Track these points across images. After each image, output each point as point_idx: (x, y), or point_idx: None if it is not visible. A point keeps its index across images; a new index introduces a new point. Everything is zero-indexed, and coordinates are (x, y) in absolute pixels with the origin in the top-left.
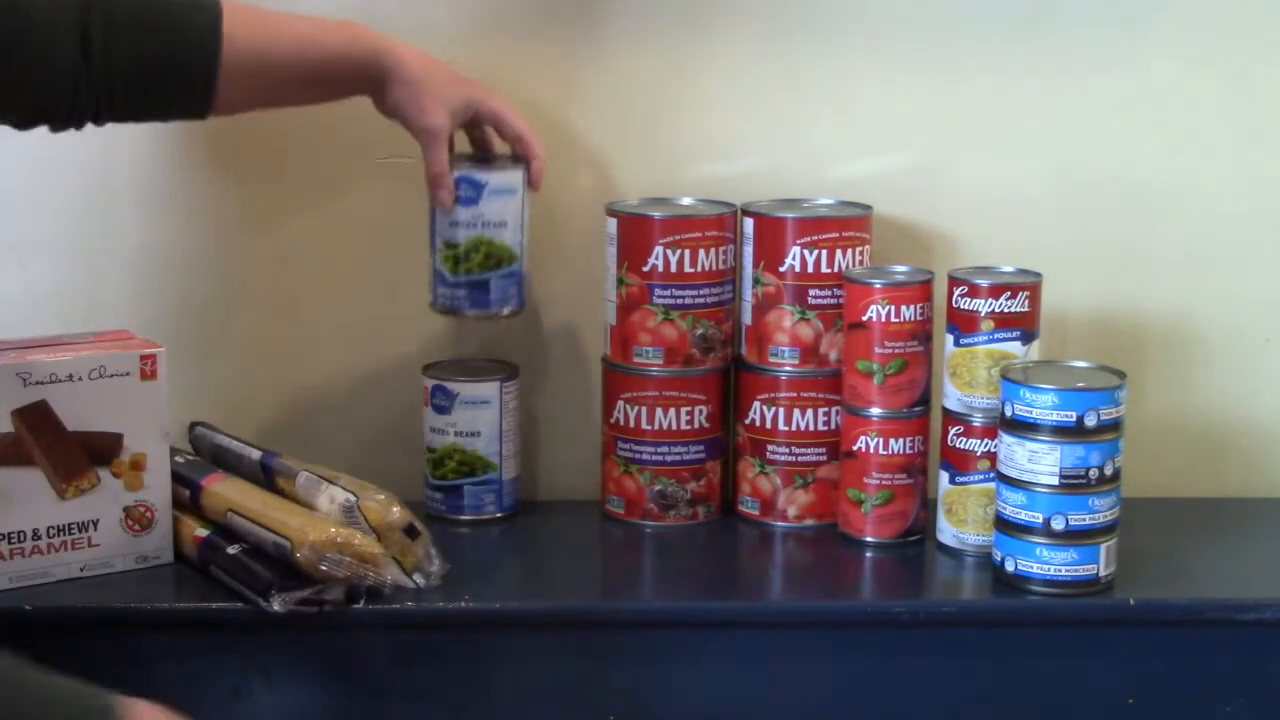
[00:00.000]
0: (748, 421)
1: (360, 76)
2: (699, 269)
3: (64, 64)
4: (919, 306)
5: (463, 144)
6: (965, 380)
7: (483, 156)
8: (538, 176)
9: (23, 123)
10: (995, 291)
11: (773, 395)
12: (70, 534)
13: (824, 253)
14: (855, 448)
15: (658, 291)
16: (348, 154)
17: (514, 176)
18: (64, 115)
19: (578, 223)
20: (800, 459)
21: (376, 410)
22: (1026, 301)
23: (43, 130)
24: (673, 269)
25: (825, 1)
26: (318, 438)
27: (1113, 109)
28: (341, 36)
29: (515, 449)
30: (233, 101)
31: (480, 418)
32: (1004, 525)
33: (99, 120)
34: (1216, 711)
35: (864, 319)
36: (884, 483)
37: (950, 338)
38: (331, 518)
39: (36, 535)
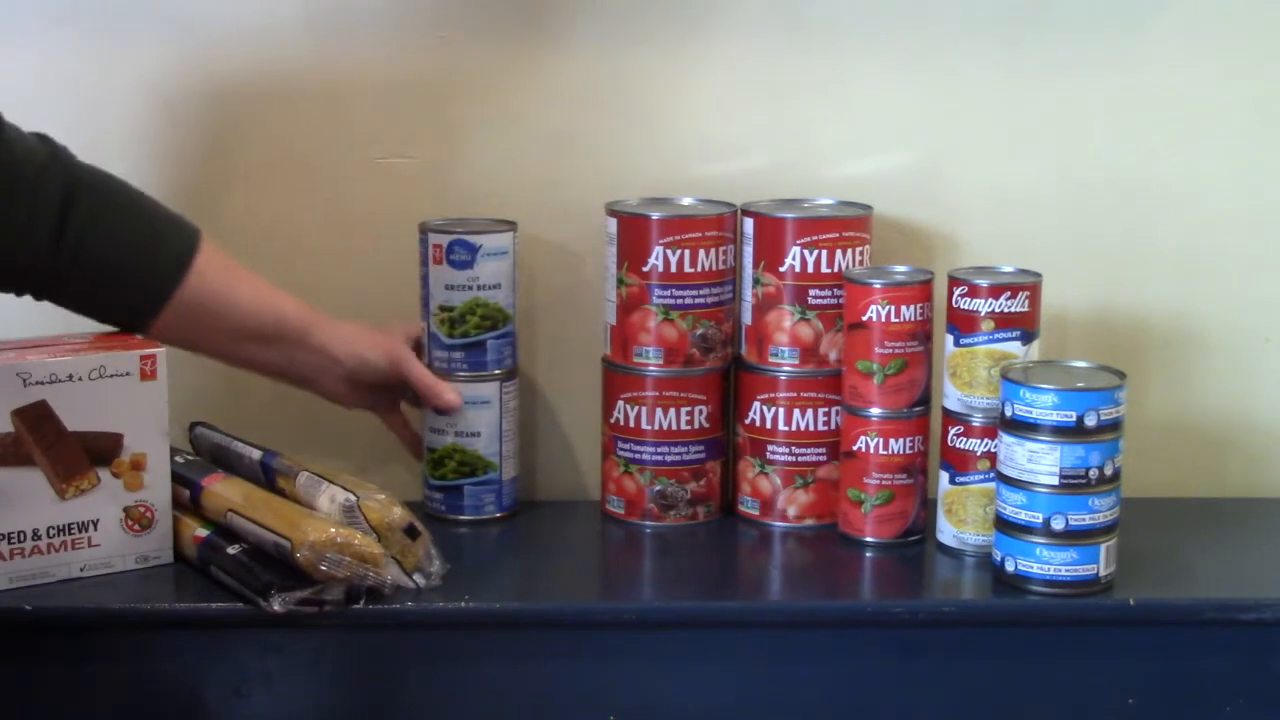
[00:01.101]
0: (748, 421)
1: (297, 342)
2: (699, 269)
3: (32, 243)
4: (919, 306)
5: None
6: (965, 380)
7: (474, 220)
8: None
9: None
10: (995, 291)
11: (773, 395)
12: (70, 534)
13: (824, 253)
14: (855, 448)
15: (658, 291)
16: (347, 153)
17: (506, 239)
18: (13, 284)
19: (577, 223)
20: (800, 459)
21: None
22: (1026, 301)
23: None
24: (672, 269)
25: (825, 1)
26: (318, 438)
27: (1113, 109)
28: (293, 302)
29: (515, 449)
30: (170, 330)
31: (480, 418)
32: (1004, 525)
33: (40, 296)
34: (1216, 711)
35: (864, 319)
36: (884, 483)
37: (950, 338)
38: (331, 518)
39: (36, 535)
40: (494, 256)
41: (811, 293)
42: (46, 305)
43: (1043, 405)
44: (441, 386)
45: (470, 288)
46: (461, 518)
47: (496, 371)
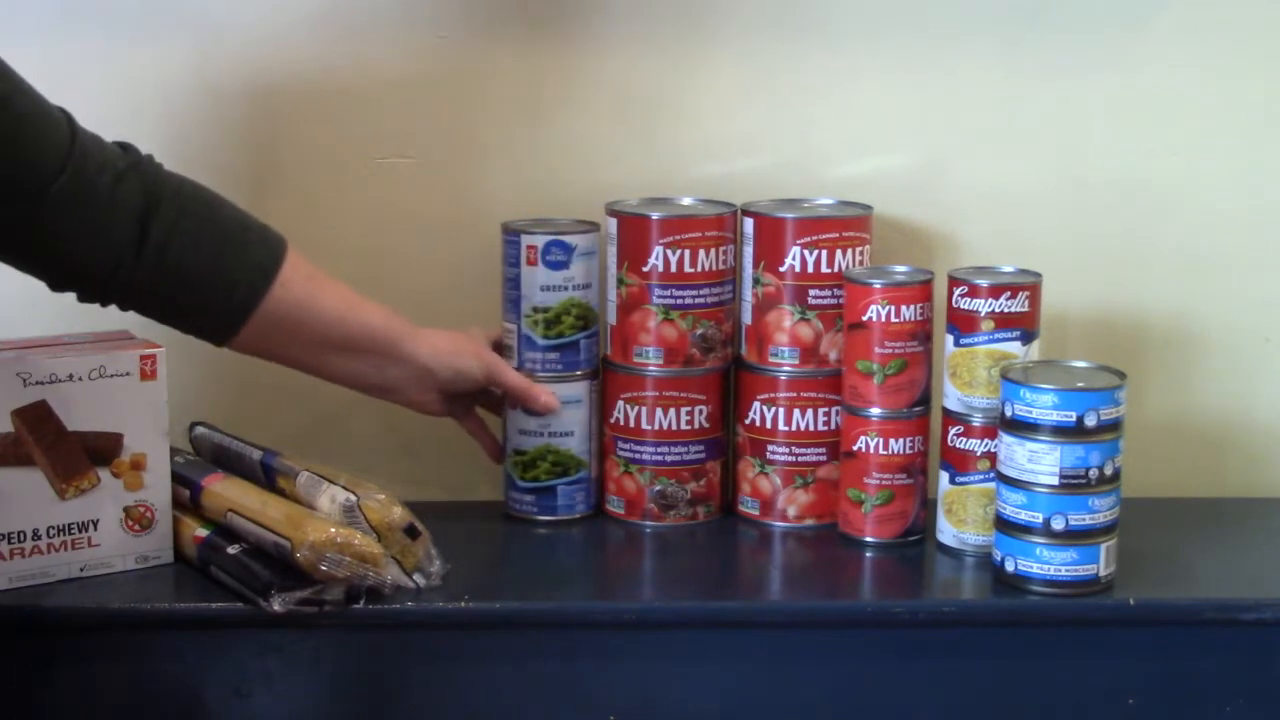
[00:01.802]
0: (748, 421)
1: (387, 353)
2: (699, 269)
3: (112, 253)
4: (919, 306)
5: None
6: (965, 380)
7: (557, 220)
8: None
9: (55, 286)
10: (995, 291)
11: (773, 395)
12: (70, 534)
13: (824, 253)
14: (855, 448)
15: (658, 291)
16: (348, 153)
17: (594, 238)
18: (95, 293)
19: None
20: (800, 459)
21: (376, 411)
22: (1026, 301)
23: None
24: (672, 269)
25: (825, 2)
26: (318, 438)
27: (1113, 109)
28: (381, 312)
29: (599, 447)
30: (256, 341)
31: (573, 417)
32: (1004, 525)
33: (124, 306)
34: (1216, 711)
35: (864, 319)
36: (884, 483)
37: (950, 338)
38: (332, 518)
39: (36, 535)
40: (586, 256)
41: (811, 293)
42: (46, 305)
43: (1043, 405)
44: (537, 389)
45: (566, 288)
46: (552, 518)
47: (587, 370)
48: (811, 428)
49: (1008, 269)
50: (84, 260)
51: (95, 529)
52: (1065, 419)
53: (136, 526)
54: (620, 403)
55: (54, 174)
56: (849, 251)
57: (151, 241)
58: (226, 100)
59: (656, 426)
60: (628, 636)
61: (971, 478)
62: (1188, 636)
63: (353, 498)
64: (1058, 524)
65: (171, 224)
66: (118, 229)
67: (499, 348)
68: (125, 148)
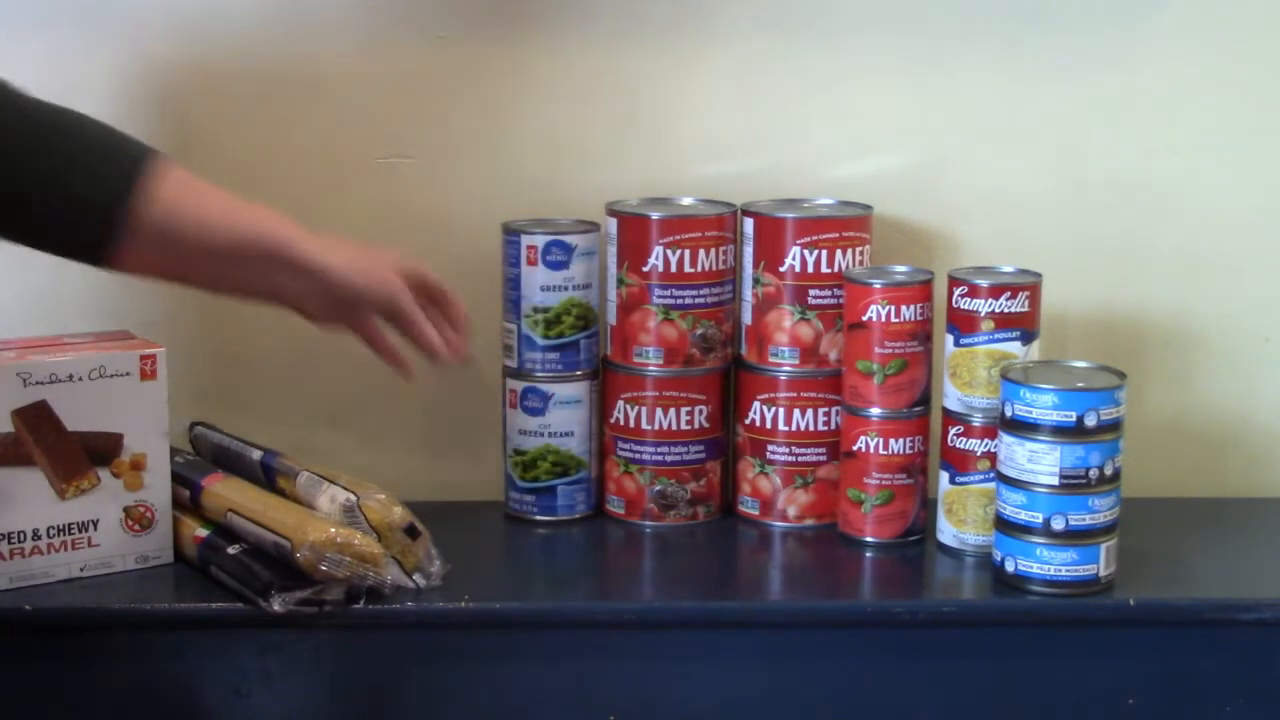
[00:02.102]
0: (748, 421)
1: (275, 257)
2: (699, 269)
3: None
4: (919, 306)
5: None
6: (965, 380)
7: (557, 220)
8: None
9: None
10: (995, 291)
11: (773, 395)
12: (70, 534)
13: (824, 253)
14: (855, 448)
15: (658, 291)
16: (348, 153)
17: (594, 238)
18: None
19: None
20: (800, 459)
21: (376, 411)
22: (1026, 301)
23: None
24: (672, 269)
25: (825, 1)
26: (318, 438)
27: (1113, 109)
28: (270, 215)
29: (599, 447)
30: (142, 258)
31: (574, 417)
32: (1004, 525)
33: None
34: (1216, 711)
35: (864, 319)
36: (884, 483)
37: (950, 338)
38: (332, 518)
39: (36, 535)
40: (586, 256)
41: (811, 293)
42: (46, 305)
43: (1043, 405)
44: (431, 332)
45: (566, 288)
46: (552, 518)
47: (588, 370)
48: (811, 428)
49: (1008, 269)
50: None
51: (95, 529)
52: (1065, 419)
53: (136, 526)
54: (620, 403)
55: None
56: (849, 251)
57: (11, 163)
58: (225, 100)
59: (656, 426)
60: (628, 636)
61: (971, 478)
62: (1188, 636)
63: (353, 498)
64: (1058, 524)
65: (23, 147)
66: None
67: (437, 293)
68: None
